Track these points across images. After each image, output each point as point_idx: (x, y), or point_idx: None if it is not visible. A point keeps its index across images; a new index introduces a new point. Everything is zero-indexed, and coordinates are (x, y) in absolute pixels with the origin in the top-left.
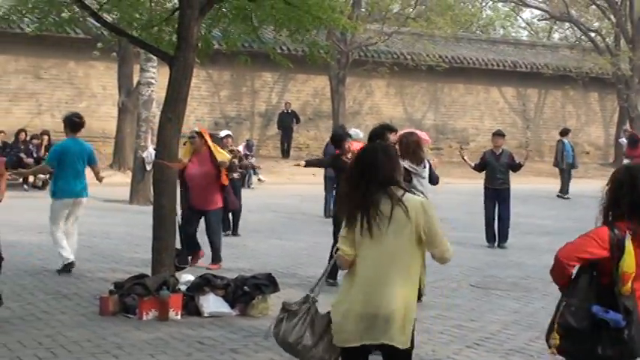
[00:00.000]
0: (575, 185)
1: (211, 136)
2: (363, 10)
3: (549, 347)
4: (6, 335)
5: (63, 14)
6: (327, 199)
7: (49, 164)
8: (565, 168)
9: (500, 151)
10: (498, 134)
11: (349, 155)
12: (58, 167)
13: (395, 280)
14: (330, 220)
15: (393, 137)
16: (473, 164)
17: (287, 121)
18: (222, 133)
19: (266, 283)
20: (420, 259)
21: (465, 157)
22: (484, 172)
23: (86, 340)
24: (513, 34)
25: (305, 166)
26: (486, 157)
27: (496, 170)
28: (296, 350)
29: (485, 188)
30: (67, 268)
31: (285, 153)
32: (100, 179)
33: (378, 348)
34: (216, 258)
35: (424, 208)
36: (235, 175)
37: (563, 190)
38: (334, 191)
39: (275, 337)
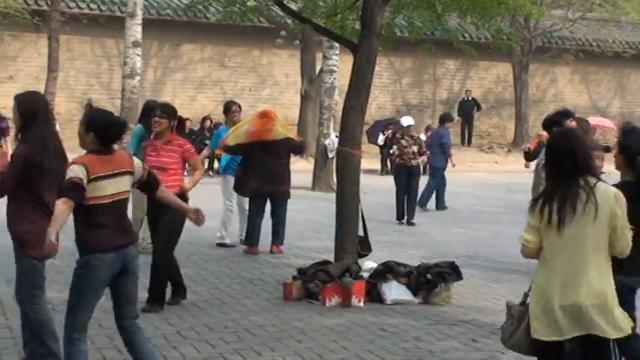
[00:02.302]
0: None
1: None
2: None
3: None
4: (193, 318)
5: (248, 3)
6: None
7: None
8: None
9: None
10: None
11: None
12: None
13: (590, 270)
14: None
15: (570, 124)
16: None
17: (467, 109)
18: (405, 122)
19: (449, 272)
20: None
21: None
22: None
23: (270, 325)
24: None
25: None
26: None
27: None
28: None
29: None
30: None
31: (467, 141)
32: None
33: (579, 343)
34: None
35: (617, 201)
36: (414, 163)
37: None
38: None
39: (503, 342)
